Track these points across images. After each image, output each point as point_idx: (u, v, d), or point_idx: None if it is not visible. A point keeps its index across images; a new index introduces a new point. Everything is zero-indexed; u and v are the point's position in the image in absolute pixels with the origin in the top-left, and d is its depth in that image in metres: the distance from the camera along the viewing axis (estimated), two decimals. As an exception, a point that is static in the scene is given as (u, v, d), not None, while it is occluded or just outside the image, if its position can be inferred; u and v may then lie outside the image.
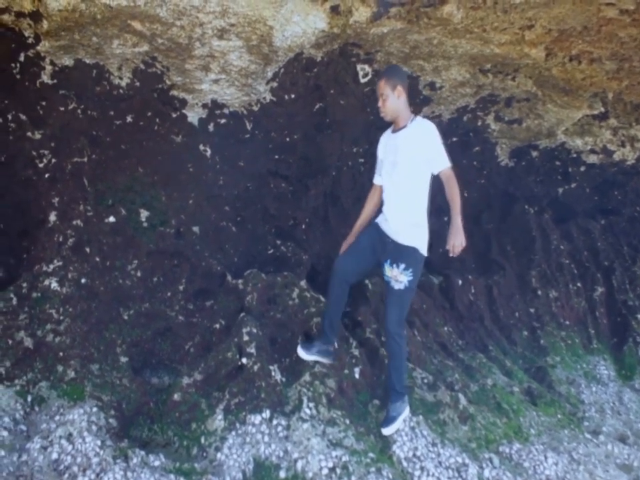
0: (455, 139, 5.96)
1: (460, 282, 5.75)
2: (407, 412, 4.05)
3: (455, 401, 4.35)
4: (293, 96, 4.89)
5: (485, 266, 6.20)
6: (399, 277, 3.80)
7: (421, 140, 3.79)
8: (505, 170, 6.53)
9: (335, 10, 4.14)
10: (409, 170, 3.84)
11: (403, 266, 3.79)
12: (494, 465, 4.00)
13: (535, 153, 6.44)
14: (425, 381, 4.55)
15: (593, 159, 6.55)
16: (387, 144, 4.05)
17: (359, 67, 4.91)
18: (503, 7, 4.14)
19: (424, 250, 3.88)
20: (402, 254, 3.83)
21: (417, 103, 5.38)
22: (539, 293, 6.17)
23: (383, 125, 5.47)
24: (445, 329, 5.34)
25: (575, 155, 6.51)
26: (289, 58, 4.51)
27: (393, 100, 3.89)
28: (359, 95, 5.06)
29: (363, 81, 5.00)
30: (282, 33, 4.18)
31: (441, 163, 3.78)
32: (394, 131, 4.01)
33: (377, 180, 4.20)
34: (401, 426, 4.00)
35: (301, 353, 4.13)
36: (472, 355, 5.19)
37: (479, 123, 5.84)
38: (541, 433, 4.51)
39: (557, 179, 6.76)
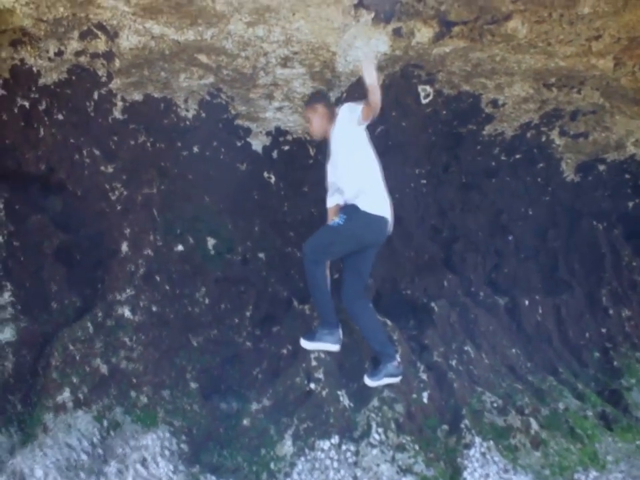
0: (518, 156, 5.86)
1: (527, 302, 5.59)
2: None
3: (526, 426, 4.23)
4: (355, 119, 4.93)
5: (552, 285, 6.01)
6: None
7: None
8: (570, 185, 6.35)
9: (397, 32, 4.17)
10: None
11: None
12: (570, 494, 3.88)
13: (602, 167, 6.24)
14: (495, 404, 4.43)
15: (665, 171, 6.32)
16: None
17: (420, 88, 4.90)
18: (569, 18, 4.08)
19: (369, 209, 3.94)
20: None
21: (479, 122, 5.33)
22: (611, 312, 5.93)
23: (445, 146, 5.47)
24: (513, 350, 5.19)
25: (645, 167, 6.29)
26: (351, 82, 4.55)
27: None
28: (421, 116, 5.04)
29: (424, 102, 4.99)
30: (344, 58, 4.24)
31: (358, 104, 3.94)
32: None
33: (329, 203, 4.31)
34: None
35: (369, 382, 4.06)
36: (541, 377, 5.02)
37: (543, 139, 5.72)
38: (619, 460, 4.31)
39: (627, 192, 6.52)
